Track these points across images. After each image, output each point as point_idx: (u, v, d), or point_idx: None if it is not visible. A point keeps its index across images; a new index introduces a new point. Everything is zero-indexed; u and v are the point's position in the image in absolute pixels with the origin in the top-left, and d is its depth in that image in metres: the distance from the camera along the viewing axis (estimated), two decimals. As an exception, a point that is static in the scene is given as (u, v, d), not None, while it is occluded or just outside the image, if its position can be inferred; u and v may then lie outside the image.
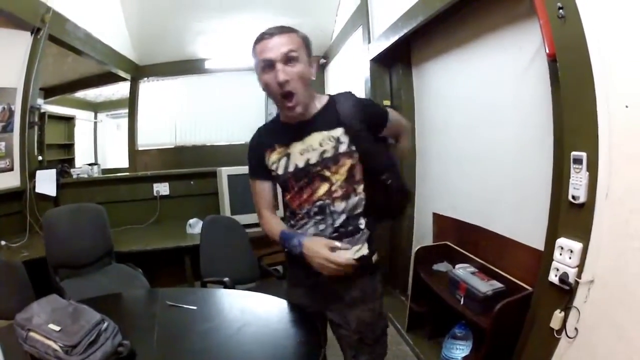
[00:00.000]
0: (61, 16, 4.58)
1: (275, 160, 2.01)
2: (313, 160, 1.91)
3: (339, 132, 1.91)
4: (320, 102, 1.98)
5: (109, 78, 7.77)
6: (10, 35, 4.15)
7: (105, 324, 1.75)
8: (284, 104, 1.85)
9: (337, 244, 1.83)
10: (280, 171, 2.00)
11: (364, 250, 1.98)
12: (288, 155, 1.98)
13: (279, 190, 2.21)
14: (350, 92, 2.00)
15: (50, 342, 1.63)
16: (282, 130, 2.00)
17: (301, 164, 1.94)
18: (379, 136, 2.02)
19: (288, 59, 1.78)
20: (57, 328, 1.67)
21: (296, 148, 1.96)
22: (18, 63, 4.28)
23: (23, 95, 4.35)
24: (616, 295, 1.76)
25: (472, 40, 3.26)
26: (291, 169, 1.97)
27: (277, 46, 1.78)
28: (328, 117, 1.93)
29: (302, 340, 1.91)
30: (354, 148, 1.90)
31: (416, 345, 3.55)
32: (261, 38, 1.82)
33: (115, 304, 2.55)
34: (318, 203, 1.94)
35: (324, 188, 1.92)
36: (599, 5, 1.74)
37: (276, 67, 1.77)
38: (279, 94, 1.82)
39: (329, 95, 2.01)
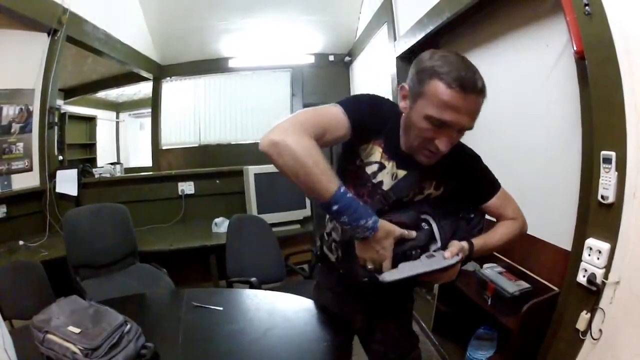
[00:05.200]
0: (79, 17, 4.63)
1: (372, 151, 1.71)
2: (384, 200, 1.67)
3: (431, 186, 1.74)
4: None
5: (131, 78, 7.85)
6: (27, 37, 4.20)
7: (128, 326, 1.75)
8: (422, 156, 1.58)
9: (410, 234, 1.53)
10: (365, 167, 1.72)
11: None
12: (382, 164, 1.70)
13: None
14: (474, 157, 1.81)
15: (69, 345, 1.62)
16: (396, 147, 1.69)
17: (385, 184, 1.70)
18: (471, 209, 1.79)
19: (463, 130, 1.52)
20: (77, 330, 1.66)
21: (391, 167, 1.70)
22: (35, 64, 4.33)
23: (41, 96, 4.40)
24: None
25: (498, 37, 3.23)
26: (374, 178, 1.71)
27: (468, 112, 1.46)
28: (429, 169, 1.66)
29: (330, 344, 1.90)
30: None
31: (441, 345, 3.52)
32: (464, 87, 1.41)
33: (138, 305, 2.56)
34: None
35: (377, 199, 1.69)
36: (624, 1, 1.71)
37: (451, 134, 1.50)
38: (424, 148, 1.55)
39: None
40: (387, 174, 1.69)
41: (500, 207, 1.79)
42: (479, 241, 1.62)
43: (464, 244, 1.53)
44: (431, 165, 1.60)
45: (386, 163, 1.69)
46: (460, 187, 1.74)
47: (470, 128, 1.49)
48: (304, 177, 1.35)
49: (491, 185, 1.81)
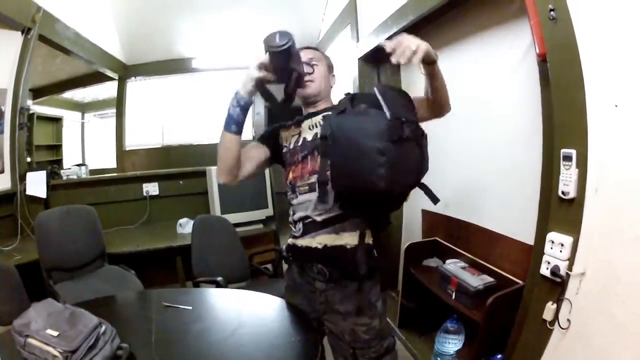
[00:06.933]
0: (51, 16, 4.55)
1: (287, 136, 2.18)
2: (319, 134, 1.96)
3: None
4: (330, 105, 2.14)
5: (97, 78, 7.67)
6: (1, 35, 4.12)
7: (103, 328, 1.75)
8: (301, 85, 1.99)
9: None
10: (290, 145, 2.14)
11: (368, 239, 1.97)
12: (299, 133, 2.13)
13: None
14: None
15: (50, 348, 1.61)
16: (301, 115, 2.19)
17: (309, 137, 2.07)
18: None
19: (310, 60, 2.10)
20: (55, 333, 1.65)
21: (306, 124, 2.12)
22: (8, 63, 4.24)
23: (13, 96, 4.31)
24: (607, 286, 1.81)
25: (462, 40, 3.29)
26: (300, 142, 2.10)
27: (303, 54, 2.05)
28: (332, 109, 2.00)
29: (299, 338, 1.93)
30: None
31: (409, 341, 3.58)
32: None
33: (110, 307, 2.54)
34: (315, 175, 1.96)
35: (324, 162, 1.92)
36: (590, 7, 1.79)
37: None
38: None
39: None
40: (306, 130, 2.12)
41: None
42: None
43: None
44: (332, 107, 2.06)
45: (298, 129, 2.16)
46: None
47: (313, 57, 2.13)
48: (227, 147, 1.97)
49: None
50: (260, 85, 1.89)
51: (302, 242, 2.07)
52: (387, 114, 1.69)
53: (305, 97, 2.10)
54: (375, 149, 1.63)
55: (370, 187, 1.66)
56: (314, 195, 1.98)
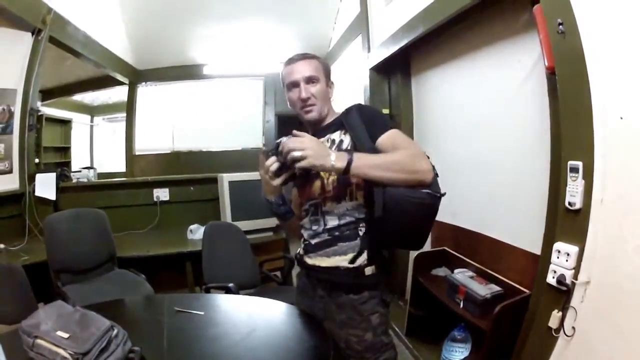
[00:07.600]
0: (62, 18, 4.61)
1: None
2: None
3: (337, 134, 2.05)
4: (333, 117, 2.14)
5: (107, 82, 7.73)
6: (12, 35, 4.17)
7: (115, 331, 1.74)
8: (303, 114, 2.09)
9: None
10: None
11: (361, 260, 2.00)
12: None
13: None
14: (358, 103, 2.14)
15: (60, 350, 1.59)
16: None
17: None
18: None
19: (309, 80, 2.04)
20: (66, 335, 1.63)
21: None
22: (19, 64, 4.28)
23: (23, 96, 4.35)
24: (612, 295, 1.83)
25: (471, 52, 3.33)
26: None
27: (301, 70, 2.05)
28: (333, 124, 2.09)
29: (312, 344, 1.93)
30: (349, 147, 1.98)
31: (415, 349, 3.58)
32: (289, 62, 2.10)
33: (121, 310, 2.55)
34: (312, 201, 2.08)
35: (317, 185, 2.04)
36: (598, 21, 1.82)
37: (300, 86, 2.03)
38: (300, 107, 2.07)
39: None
40: None
41: (391, 146, 1.87)
42: (360, 154, 1.78)
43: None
44: (333, 122, 2.11)
45: None
46: (359, 129, 1.97)
47: (312, 75, 2.04)
48: (295, 226, 2.25)
49: (381, 124, 2.00)
50: (284, 184, 1.96)
51: (305, 258, 2.16)
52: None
53: (309, 122, 2.13)
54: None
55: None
56: (307, 220, 2.12)
